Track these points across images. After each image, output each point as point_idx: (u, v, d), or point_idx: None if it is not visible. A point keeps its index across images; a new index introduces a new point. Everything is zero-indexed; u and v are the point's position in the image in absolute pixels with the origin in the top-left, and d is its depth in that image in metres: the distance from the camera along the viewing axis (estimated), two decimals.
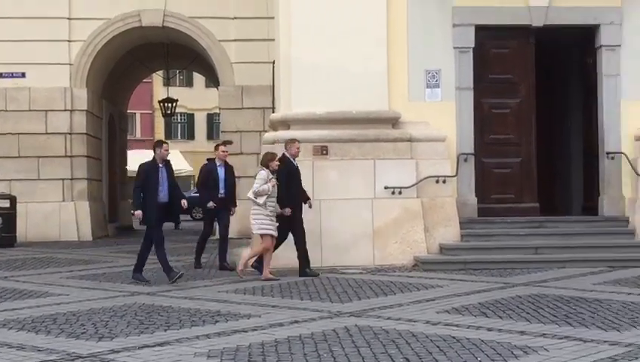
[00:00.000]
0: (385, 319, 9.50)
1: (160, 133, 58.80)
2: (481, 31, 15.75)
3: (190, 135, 59.72)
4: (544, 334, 8.52)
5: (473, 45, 15.70)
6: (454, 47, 15.68)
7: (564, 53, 17.93)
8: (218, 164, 15.09)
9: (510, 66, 16.09)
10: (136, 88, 31.62)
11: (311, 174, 14.94)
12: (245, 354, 7.70)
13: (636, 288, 11.83)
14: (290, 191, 13.55)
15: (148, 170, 13.00)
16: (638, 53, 15.75)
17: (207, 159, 15.42)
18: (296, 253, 13.65)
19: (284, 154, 13.84)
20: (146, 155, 48.16)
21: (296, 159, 14.17)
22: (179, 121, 58.02)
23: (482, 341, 8.18)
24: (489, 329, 8.79)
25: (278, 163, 13.40)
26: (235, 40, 22.85)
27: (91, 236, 22.73)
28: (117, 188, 27.70)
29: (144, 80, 35.52)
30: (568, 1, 15.72)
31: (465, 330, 8.76)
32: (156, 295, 11.73)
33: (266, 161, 13.40)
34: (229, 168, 15.23)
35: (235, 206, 15.42)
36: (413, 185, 15.01)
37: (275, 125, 15.96)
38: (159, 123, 56.45)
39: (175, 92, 36.24)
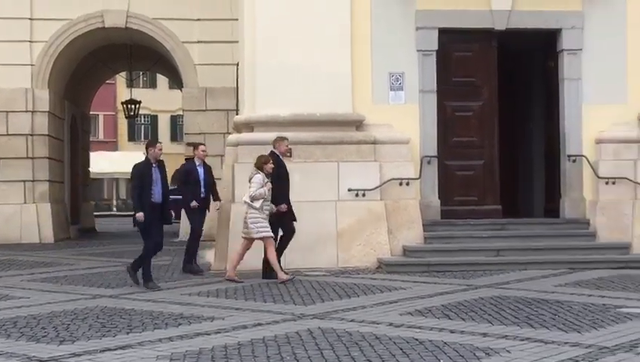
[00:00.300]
0: (348, 321, 9.52)
1: (123, 135, 58.56)
2: (445, 34, 15.83)
3: (153, 137, 59.34)
4: (506, 336, 8.58)
5: (436, 48, 15.77)
6: (418, 50, 15.74)
7: (527, 57, 18.07)
8: (197, 163, 14.93)
9: (473, 69, 16.18)
10: (99, 89, 31.41)
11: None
12: (208, 357, 7.68)
13: (596, 290, 11.95)
14: (282, 190, 13.50)
15: (142, 170, 12.82)
16: (598, 57, 15.90)
17: (186, 159, 15.21)
18: (256, 253, 13.61)
19: (272, 152, 13.78)
20: (108, 157, 47.69)
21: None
22: (142, 122, 57.74)
23: (445, 343, 8.22)
24: (452, 331, 8.84)
25: (272, 166, 13.36)
26: (198, 42, 22.78)
27: (53, 238, 22.52)
28: (79, 190, 27.48)
29: (107, 81, 35.31)
30: (530, 6, 15.83)
31: (428, 332, 8.80)
32: (119, 298, 11.66)
33: (260, 164, 13.30)
34: (207, 168, 15.09)
35: (220, 200, 15.14)
36: (376, 188, 15.05)
37: (239, 127, 15.92)
38: (122, 124, 56.14)
39: (138, 93, 36.03)
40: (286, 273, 13.19)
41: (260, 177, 13.14)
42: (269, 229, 13.17)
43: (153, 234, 12.83)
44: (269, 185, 13.17)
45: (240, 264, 13.63)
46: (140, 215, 12.62)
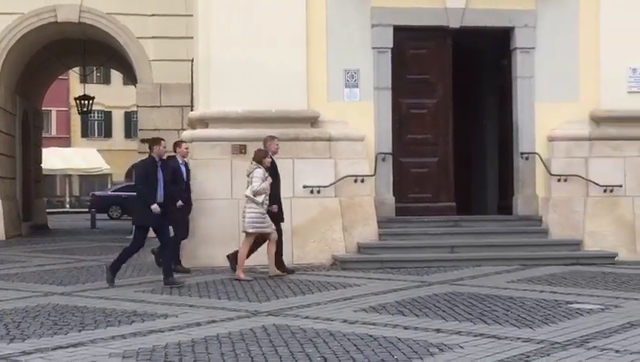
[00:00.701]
0: (303, 318, 9.52)
1: (76, 131, 58.02)
2: (400, 31, 15.88)
3: (107, 133, 59.01)
4: (459, 332, 8.63)
5: (391, 46, 15.81)
6: (373, 48, 15.77)
7: (481, 55, 18.20)
8: (180, 162, 14.32)
9: (428, 67, 16.26)
10: (52, 85, 31.03)
11: (229, 173, 14.90)
12: (161, 354, 7.63)
13: (548, 286, 12.07)
14: (274, 189, 13.40)
15: (148, 167, 12.56)
16: (551, 56, 16.06)
17: (168, 157, 14.45)
18: (210, 250, 13.61)
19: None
20: (61, 154, 47.17)
21: (214, 158, 14.11)
22: (96, 118, 57.27)
23: (399, 339, 8.25)
24: (406, 328, 8.87)
25: (270, 160, 13.32)
26: (153, 37, 22.59)
27: (4, 235, 22.18)
28: (31, 187, 27.13)
29: (60, 76, 34.88)
30: (484, 4, 15.94)
31: (382, 329, 8.82)
32: (71, 295, 11.55)
33: (259, 158, 13.23)
34: (187, 166, 14.65)
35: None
36: (331, 185, 15.07)
37: (194, 123, 15.85)
38: (76, 120, 55.67)
39: (92, 89, 35.74)
40: (282, 271, 13.23)
41: (260, 172, 13.09)
42: (267, 224, 13.11)
43: (144, 237, 12.68)
44: (270, 179, 13.16)
45: (195, 260, 13.58)
46: (155, 206, 12.29)
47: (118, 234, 24.01)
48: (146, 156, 21.92)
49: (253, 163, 13.25)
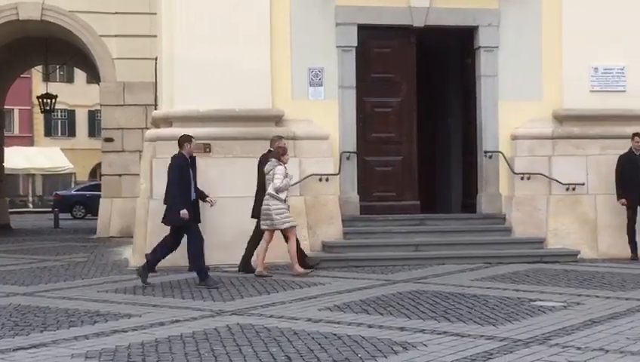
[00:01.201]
0: (267, 317, 9.50)
1: (39, 130, 57.52)
2: (364, 30, 15.90)
3: (71, 132, 58.52)
4: (423, 330, 8.66)
5: (356, 44, 15.82)
6: (337, 46, 15.77)
7: (446, 54, 18.28)
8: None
9: (392, 66, 16.29)
10: (14, 83, 30.74)
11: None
12: (124, 355, 7.58)
13: (512, 284, 12.14)
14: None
15: (182, 165, 12.47)
16: (514, 55, 16.16)
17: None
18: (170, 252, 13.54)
19: (270, 151, 13.75)
20: (24, 153, 46.79)
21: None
22: (59, 117, 56.80)
23: (363, 337, 8.25)
24: (370, 326, 8.88)
25: (288, 156, 13.46)
26: (116, 35, 22.45)
27: None
28: None
29: (22, 75, 34.55)
30: (448, 3, 16.00)
31: (346, 327, 8.83)
32: (33, 295, 11.44)
33: (279, 156, 13.32)
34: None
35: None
36: (296, 183, 15.02)
37: (158, 122, 15.77)
38: (39, 119, 55.18)
39: (55, 88, 35.52)
40: (304, 268, 13.36)
41: (282, 169, 13.20)
42: (292, 219, 13.25)
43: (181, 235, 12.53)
44: (291, 174, 13.29)
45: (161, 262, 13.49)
46: (184, 212, 12.20)
47: (81, 234, 23.84)
48: (114, 155, 22.16)
49: (273, 160, 13.34)
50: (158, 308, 10.26)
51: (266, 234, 13.37)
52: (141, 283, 12.27)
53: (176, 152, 12.78)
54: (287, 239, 13.39)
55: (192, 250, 12.46)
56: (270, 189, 13.17)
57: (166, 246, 12.66)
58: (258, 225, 13.64)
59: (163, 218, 12.62)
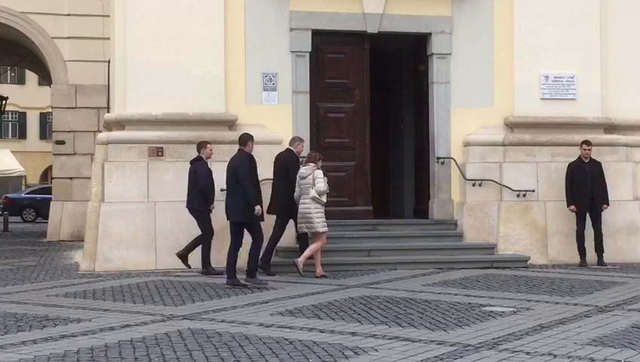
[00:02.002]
0: (219, 322, 9.47)
1: None
2: (318, 36, 15.93)
3: (22, 134, 57.79)
4: (374, 335, 8.69)
5: (310, 50, 15.85)
6: (291, 51, 15.78)
7: (399, 60, 18.37)
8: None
9: (345, 71, 16.34)
10: None
11: (146, 176, 14.77)
12: (73, 360, 7.51)
13: (463, 289, 12.23)
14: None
15: (251, 162, 12.75)
16: (467, 62, 16.30)
17: (198, 159, 14.14)
18: (125, 253, 13.50)
19: (290, 150, 14.13)
20: None
21: (130, 160, 13.99)
22: (10, 119, 56.09)
23: (314, 342, 8.27)
24: (321, 331, 8.90)
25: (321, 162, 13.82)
26: (69, 37, 22.26)
27: None
28: None
29: None
30: (401, 10, 16.09)
31: (298, 332, 8.83)
32: None
33: (315, 160, 13.65)
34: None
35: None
36: None
37: (110, 125, 15.65)
38: None
39: (6, 89, 35.09)
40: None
41: (321, 172, 13.57)
42: (326, 223, 13.67)
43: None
44: (326, 179, 13.63)
45: (111, 264, 13.39)
46: (259, 209, 12.60)
47: (31, 238, 23.57)
48: (65, 158, 21.93)
49: (310, 165, 13.62)
50: (108, 312, 10.18)
51: (318, 237, 13.62)
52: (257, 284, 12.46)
53: (237, 152, 13.05)
54: (315, 241, 13.68)
55: (256, 249, 12.74)
56: (313, 193, 13.45)
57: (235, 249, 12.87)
58: (278, 222, 13.98)
59: (232, 215, 12.76)
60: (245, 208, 12.57)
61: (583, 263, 15.38)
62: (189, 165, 14.55)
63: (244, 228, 12.76)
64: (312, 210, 13.48)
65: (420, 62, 16.98)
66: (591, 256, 15.48)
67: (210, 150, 14.13)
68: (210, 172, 14.05)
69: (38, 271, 14.76)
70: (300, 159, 14.27)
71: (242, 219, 12.67)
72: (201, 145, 14.15)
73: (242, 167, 12.62)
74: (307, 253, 13.66)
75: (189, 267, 13.94)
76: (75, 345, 8.12)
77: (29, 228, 30.94)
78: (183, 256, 14.11)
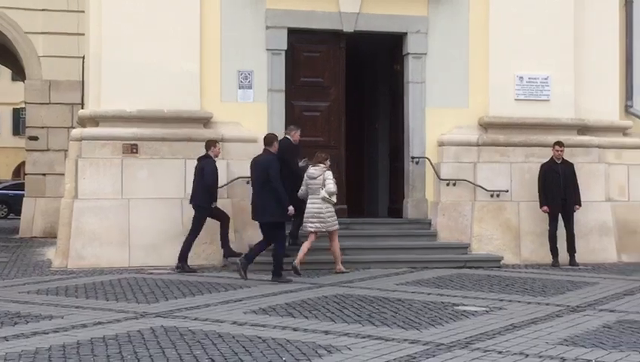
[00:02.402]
0: (192, 320, 9.45)
1: None
2: (294, 34, 15.92)
3: None
4: (348, 333, 8.70)
5: (285, 48, 15.83)
6: (267, 49, 15.76)
7: (375, 59, 18.39)
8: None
9: (321, 70, 16.34)
10: None
11: (120, 173, 14.70)
12: (45, 357, 7.47)
13: (436, 288, 12.28)
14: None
15: (278, 163, 13.10)
16: (442, 62, 16.34)
17: (206, 156, 14.29)
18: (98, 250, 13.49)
19: (286, 138, 14.32)
20: None
21: (104, 157, 13.95)
22: None
23: (288, 341, 8.27)
24: (295, 329, 8.90)
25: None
26: (43, 33, 22.10)
27: None
28: None
29: None
30: (378, 9, 16.11)
31: (271, 330, 8.83)
32: None
33: (323, 160, 13.83)
34: None
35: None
36: (223, 186, 14.99)
37: (84, 122, 15.57)
38: None
39: None
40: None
41: (331, 173, 13.85)
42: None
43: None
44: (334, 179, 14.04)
45: (81, 261, 13.34)
46: (291, 208, 13.05)
47: (3, 234, 23.39)
48: (38, 154, 21.78)
49: (320, 165, 13.81)
50: (80, 309, 10.13)
51: (312, 236, 13.79)
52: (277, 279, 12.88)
53: (263, 152, 13.41)
54: (331, 240, 13.92)
55: (281, 249, 13.24)
56: (324, 193, 13.62)
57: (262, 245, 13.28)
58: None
59: (262, 215, 13.07)
60: (278, 208, 12.89)
61: (555, 263, 15.47)
62: (163, 163, 14.54)
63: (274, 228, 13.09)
64: (324, 210, 13.68)
65: (395, 62, 17.01)
66: (563, 256, 15.58)
67: (219, 149, 14.39)
68: (216, 170, 14.17)
69: (10, 268, 14.66)
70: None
71: (275, 219, 13.01)
72: (210, 144, 14.30)
73: (274, 168, 12.96)
74: (336, 258, 13.98)
75: (241, 254, 13.94)
76: (47, 342, 8.07)
77: (0, 224, 30.71)
78: (229, 252, 14.35)
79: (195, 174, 14.23)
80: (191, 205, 14.26)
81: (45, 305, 10.37)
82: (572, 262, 15.51)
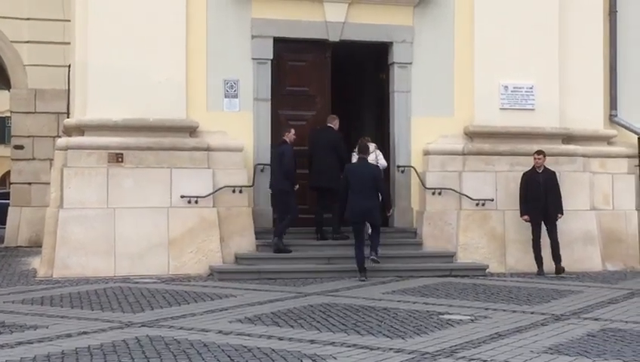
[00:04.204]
0: (177, 329, 9.45)
1: None
2: (279, 43, 15.95)
3: None
4: (333, 342, 8.71)
5: (271, 57, 15.86)
6: (253, 58, 15.78)
7: (361, 69, 18.44)
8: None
9: (307, 79, 16.37)
10: None
11: (105, 182, 14.68)
12: None
13: (421, 297, 12.30)
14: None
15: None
16: (428, 71, 16.40)
17: (283, 142, 15.14)
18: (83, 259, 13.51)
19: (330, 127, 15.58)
20: None
21: (89, 166, 14.00)
22: None
23: (273, 350, 8.27)
24: (280, 339, 8.90)
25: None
26: (28, 41, 22.04)
27: None
28: None
29: None
30: (363, 18, 16.16)
31: (257, 340, 8.83)
32: None
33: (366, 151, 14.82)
34: None
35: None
36: (209, 195, 15.00)
37: (70, 130, 15.55)
38: None
39: None
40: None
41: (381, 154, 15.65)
42: None
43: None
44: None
45: (66, 270, 13.29)
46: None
47: None
48: (24, 163, 21.70)
49: (372, 145, 15.21)
50: (65, 319, 10.11)
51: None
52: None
53: (359, 160, 14.75)
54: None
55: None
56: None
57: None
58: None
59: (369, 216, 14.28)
60: (381, 213, 14.38)
61: (539, 272, 15.51)
62: (149, 172, 14.59)
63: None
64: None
65: (381, 71, 17.07)
66: (549, 264, 15.60)
67: (293, 134, 15.10)
68: (294, 155, 14.93)
69: None
70: None
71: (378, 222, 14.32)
72: (285, 131, 15.12)
73: (379, 175, 14.45)
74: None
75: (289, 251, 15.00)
76: (32, 352, 8.05)
77: None
78: (278, 246, 14.94)
79: (272, 160, 15.15)
80: (270, 190, 15.24)
81: (30, 315, 10.35)
82: (557, 270, 15.53)
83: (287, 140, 15.01)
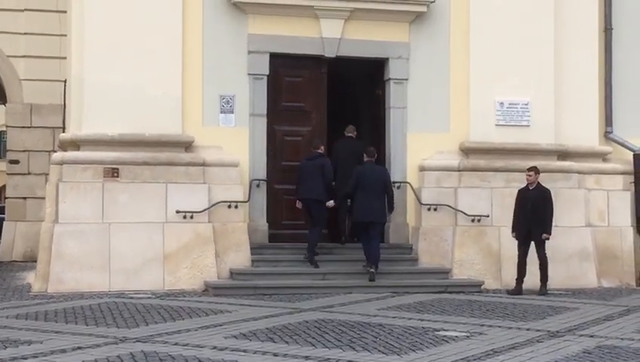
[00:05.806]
0: (172, 344, 9.42)
1: None
2: (276, 59, 15.98)
3: None
4: (328, 358, 8.69)
5: (267, 72, 15.89)
6: (249, 74, 15.81)
7: (357, 85, 18.46)
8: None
9: (303, 95, 16.40)
10: None
11: (101, 197, 14.66)
12: None
13: (417, 313, 12.28)
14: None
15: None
16: (423, 88, 16.44)
17: (320, 155, 15.56)
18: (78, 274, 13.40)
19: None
20: None
21: (85, 181, 13.95)
22: None
23: None
24: (275, 355, 8.88)
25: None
26: (24, 56, 22.06)
27: None
28: None
29: None
30: (360, 35, 16.20)
31: (251, 356, 8.81)
32: None
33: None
34: None
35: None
36: (205, 210, 14.99)
37: (65, 145, 15.54)
38: None
39: None
40: None
41: None
42: None
43: None
44: None
45: (61, 285, 13.26)
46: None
47: None
48: (19, 177, 21.69)
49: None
50: (60, 334, 10.07)
51: None
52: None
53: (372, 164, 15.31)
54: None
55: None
56: None
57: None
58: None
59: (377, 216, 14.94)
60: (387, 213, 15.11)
61: (513, 291, 14.96)
62: (144, 187, 14.58)
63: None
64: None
65: (377, 87, 17.09)
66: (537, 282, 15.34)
67: (324, 148, 15.60)
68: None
69: None
70: None
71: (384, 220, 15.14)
72: (319, 142, 15.56)
73: (389, 178, 15.26)
74: None
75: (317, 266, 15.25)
76: None
77: None
78: (311, 260, 15.25)
79: (305, 171, 15.25)
80: (304, 199, 15.38)
81: (24, 330, 10.31)
82: (540, 290, 15.01)
83: (323, 152, 15.49)
